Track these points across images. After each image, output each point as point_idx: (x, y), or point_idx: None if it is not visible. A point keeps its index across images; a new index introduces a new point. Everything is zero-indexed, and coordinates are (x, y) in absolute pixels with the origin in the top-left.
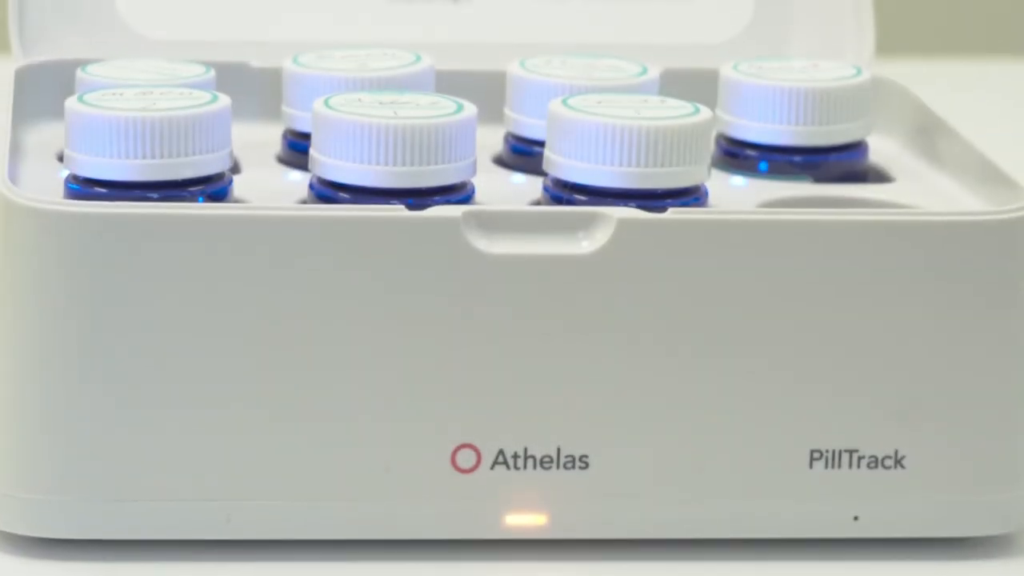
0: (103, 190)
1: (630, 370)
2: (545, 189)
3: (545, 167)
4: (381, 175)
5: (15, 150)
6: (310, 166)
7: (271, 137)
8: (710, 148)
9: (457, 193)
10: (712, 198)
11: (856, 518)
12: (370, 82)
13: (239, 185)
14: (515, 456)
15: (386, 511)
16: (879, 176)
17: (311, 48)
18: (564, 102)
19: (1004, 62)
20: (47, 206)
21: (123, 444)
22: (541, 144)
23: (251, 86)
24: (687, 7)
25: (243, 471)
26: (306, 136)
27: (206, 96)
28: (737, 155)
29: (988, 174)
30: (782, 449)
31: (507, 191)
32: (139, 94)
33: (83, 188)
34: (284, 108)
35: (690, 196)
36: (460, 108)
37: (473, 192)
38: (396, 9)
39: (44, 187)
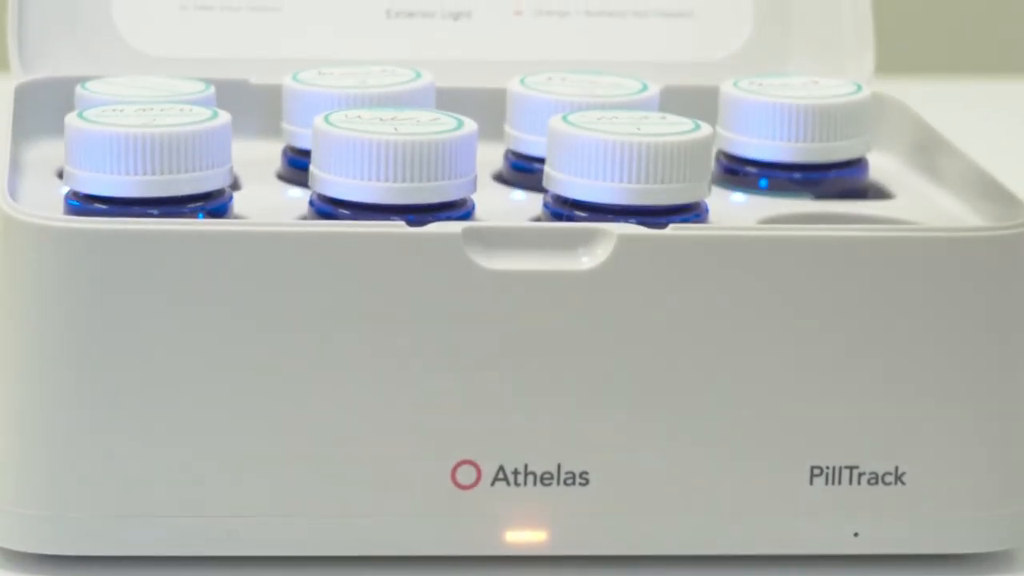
0: (103, 206)
1: (630, 386)
2: (545, 206)
3: (545, 183)
4: (381, 191)
5: (15, 166)
6: (310, 183)
7: (271, 154)
8: (710, 165)
9: (457, 209)
10: (712, 215)
11: (856, 534)
12: (370, 99)
13: (239, 202)
14: (515, 472)
15: (386, 527)
16: (879, 193)
17: (311, 65)
18: (564, 118)
19: (1003, 80)
20: (47, 222)
21: (123, 460)
22: (541, 161)
23: (251, 103)
24: (687, 24)
25: (244, 487)
26: (306, 153)
27: (206, 113)
28: (737, 172)
29: (988, 190)
30: (782, 465)
31: (507, 208)
32: (139, 111)
33: (83, 204)
34: (284, 125)
35: (690, 213)
36: (460, 125)
37: (473, 208)
38: (396, 26)
39: (44, 203)
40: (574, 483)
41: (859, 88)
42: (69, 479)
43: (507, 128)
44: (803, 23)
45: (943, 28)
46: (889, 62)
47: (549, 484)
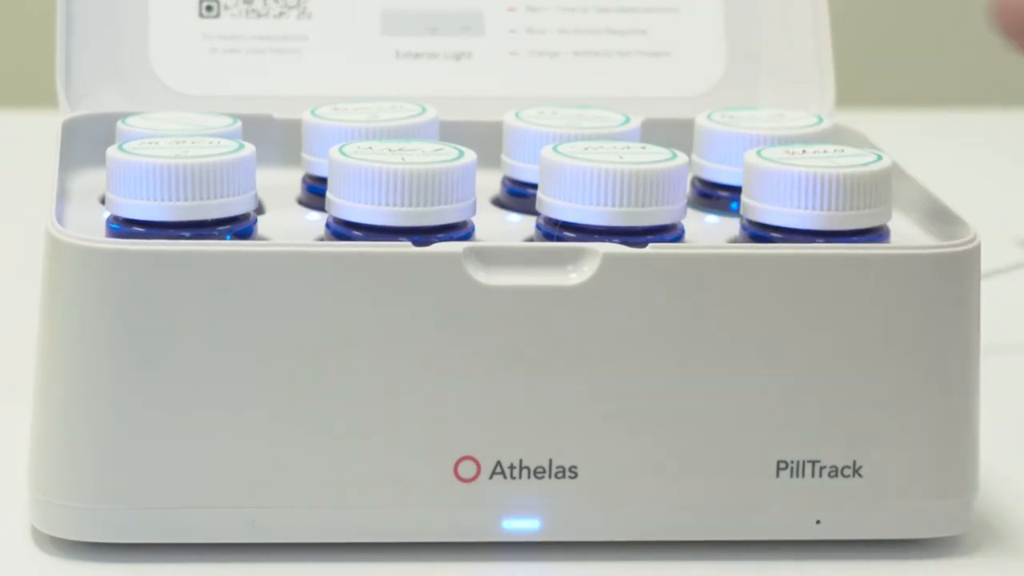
0: (141, 229)
1: (615, 389)
2: (538, 227)
3: (538, 207)
4: (390, 215)
5: (62, 194)
6: (327, 207)
7: (292, 181)
8: (686, 190)
9: (459, 231)
10: (688, 234)
11: (818, 522)
12: (380, 131)
13: (263, 224)
14: (511, 467)
15: (395, 517)
16: None
17: (327, 101)
18: (555, 149)
19: (949, 111)
20: (91, 244)
21: (157, 457)
22: (534, 187)
23: (274, 136)
24: (666, 63)
25: (266, 481)
26: (323, 180)
27: (233, 145)
28: (711, 196)
29: (936, 212)
30: (751, 460)
31: (503, 229)
32: (173, 143)
33: (123, 228)
34: (303, 155)
35: (668, 233)
36: (461, 154)
37: (473, 230)
38: (404, 66)
39: (88, 227)
40: (564, 476)
41: (820, 120)
42: (110, 475)
43: (504, 157)
44: (771, 62)
45: (897, 64)
46: (848, 95)
47: (542, 477)
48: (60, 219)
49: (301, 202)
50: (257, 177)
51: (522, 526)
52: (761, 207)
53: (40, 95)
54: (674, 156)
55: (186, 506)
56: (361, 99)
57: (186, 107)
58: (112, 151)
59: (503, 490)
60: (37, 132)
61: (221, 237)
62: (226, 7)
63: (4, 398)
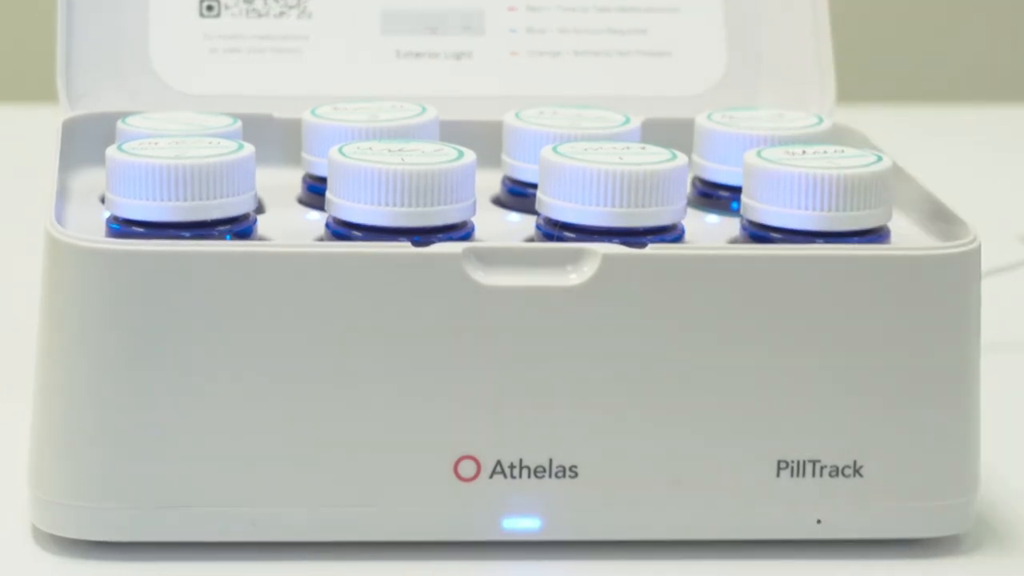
0: (140, 229)
1: (615, 389)
2: (537, 227)
3: (538, 207)
4: (390, 215)
5: (62, 193)
6: (326, 207)
7: (292, 181)
8: (686, 190)
9: (458, 231)
10: (688, 234)
11: (819, 521)
12: (380, 131)
13: (263, 224)
14: (511, 466)
15: (396, 515)
16: None
17: (327, 101)
18: (555, 149)
19: (949, 108)
20: (90, 244)
21: (157, 457)
22: (534, 186)
23: (274, 135)
24: (666, 62)
25: (267, 481)
26: (323, 180)
27: (233, 145)
28: (711, 196)
29: (936, 212)
30: (752, 459)
31: (503, 229)
32: (172, 143)
33: (123, 228)
34: (303, 155)
35: (668, 233)
36: (461, 155)
37: (473, 230)
38: (404, 66)
39: (88, 227)
40: (564, 476)
41: (820, 120)
42: (110, 474)
43: (504, 157)
44: (771, 62)
45: (896, 63)
46: (849, 93)
47: (542, 477)
48: (60, 219)
49: (301, 202)
50: (257, 177)
51: (522, 525)
52: (761, 207)
53: (41, 90)
54: (674, 156)
55: (186, 505)
56: (361, 99)
57: (186, 107)
58: (112, 151)
59: (503, 489)
60: (37, 127)
61: (221, 237)
62: (226, 7)
63: (4, 398)
